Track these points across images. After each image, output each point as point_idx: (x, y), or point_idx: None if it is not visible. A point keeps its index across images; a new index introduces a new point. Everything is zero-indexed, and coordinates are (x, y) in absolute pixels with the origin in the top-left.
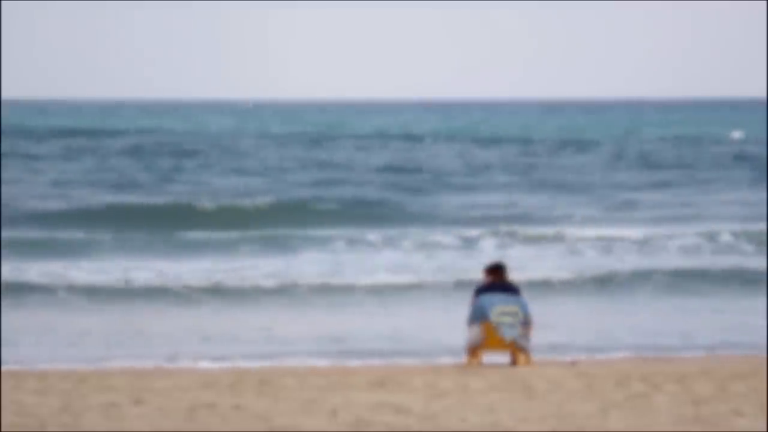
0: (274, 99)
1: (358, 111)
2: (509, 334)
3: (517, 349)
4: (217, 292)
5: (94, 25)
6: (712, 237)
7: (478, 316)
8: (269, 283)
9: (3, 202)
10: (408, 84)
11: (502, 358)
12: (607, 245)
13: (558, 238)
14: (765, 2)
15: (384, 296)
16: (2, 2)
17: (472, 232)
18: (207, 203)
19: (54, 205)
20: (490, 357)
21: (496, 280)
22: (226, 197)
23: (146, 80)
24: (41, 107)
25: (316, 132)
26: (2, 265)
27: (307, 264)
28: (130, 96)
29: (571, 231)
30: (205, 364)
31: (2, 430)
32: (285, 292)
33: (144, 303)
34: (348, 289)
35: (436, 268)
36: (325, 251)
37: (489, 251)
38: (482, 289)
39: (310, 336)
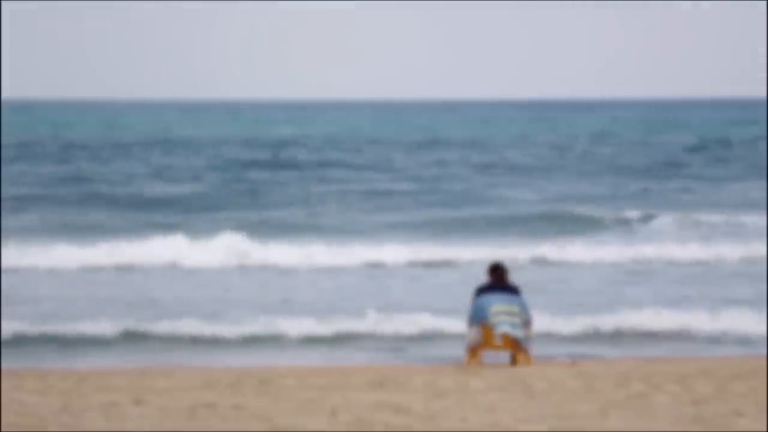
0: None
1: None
2: (506, 331)
3: (518, 349)
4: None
5: (93, 25)
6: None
7: (477, 316)
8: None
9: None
10: (404, 84)
11: (502, 358)
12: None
13: None
14: (765, 2)
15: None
16: (2, 2)
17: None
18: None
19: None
20: (490, 357)
21: (497, 280)
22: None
23: (147, 81)
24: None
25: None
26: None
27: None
28: (132, 96)
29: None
30: (205, 364)
31: (2, 429)
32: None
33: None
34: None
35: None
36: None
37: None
38: (482, 290)
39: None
